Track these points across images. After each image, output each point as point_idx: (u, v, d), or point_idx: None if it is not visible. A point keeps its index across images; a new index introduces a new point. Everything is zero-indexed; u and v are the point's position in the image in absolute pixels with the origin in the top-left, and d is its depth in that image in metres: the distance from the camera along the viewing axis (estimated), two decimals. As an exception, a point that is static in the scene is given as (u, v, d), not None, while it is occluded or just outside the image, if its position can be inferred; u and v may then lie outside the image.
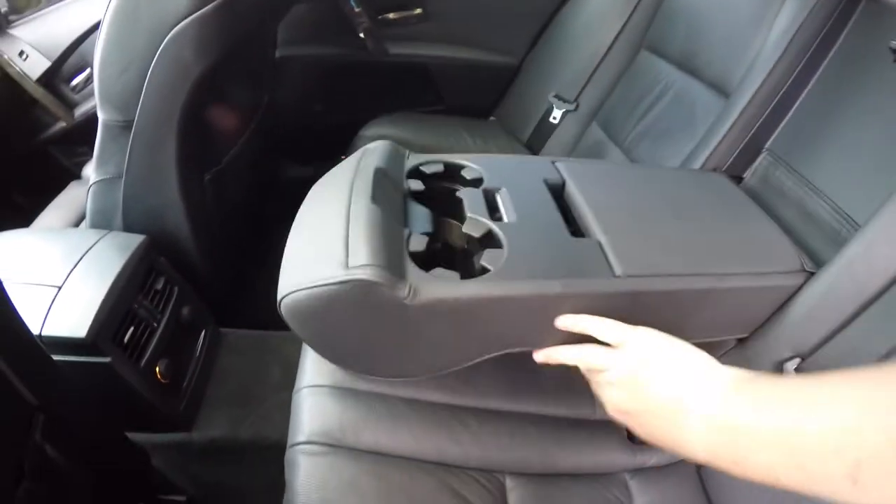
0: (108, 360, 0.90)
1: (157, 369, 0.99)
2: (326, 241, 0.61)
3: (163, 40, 0.92)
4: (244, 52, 1.18)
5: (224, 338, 1.23)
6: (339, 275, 0.57)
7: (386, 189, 0.70)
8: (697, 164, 1.03)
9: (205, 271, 1.19)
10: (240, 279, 1.40)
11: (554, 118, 1.55)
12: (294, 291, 0.59)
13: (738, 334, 0.80)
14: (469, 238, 0.68)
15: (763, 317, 0.77)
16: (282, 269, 0.65)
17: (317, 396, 0.83)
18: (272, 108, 1.45)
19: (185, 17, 0.91)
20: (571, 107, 1.52)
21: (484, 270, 0.62)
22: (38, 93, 1.39)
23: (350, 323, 0.63)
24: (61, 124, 1.48)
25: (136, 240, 1.03)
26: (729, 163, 1.00)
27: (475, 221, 0.69)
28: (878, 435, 0.34)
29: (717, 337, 0.80)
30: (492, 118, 1.85)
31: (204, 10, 0.92)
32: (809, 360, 0.71)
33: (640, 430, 0.56)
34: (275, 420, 1.08)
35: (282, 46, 1.56)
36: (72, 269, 0.96)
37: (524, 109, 1.67)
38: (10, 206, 1.53)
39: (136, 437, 1.00)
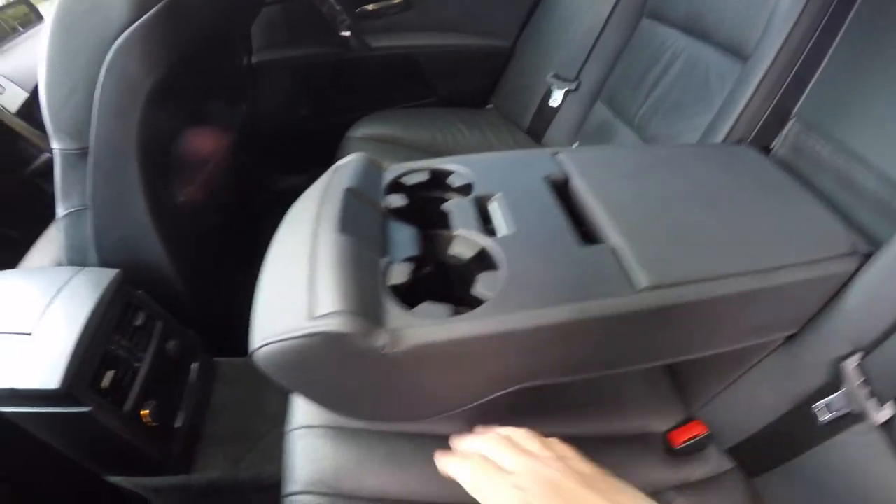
0: (87, 409, 0.82)
1: (144, 412, 0.92)
2: (292, 284, 0.53)
3: (106, 55, 0.85)
4: (207, 59, 1.11)
5: (218, 368, 1.16)
6: (306, 326, 0.48)
7: (360, 212, 0.60)
8: (718, 138, 0.94)
9: (190, 299, 1.12)
10: (233, 302, 1.33)
11: (555, 100, 1.46)
12: (263, 345, 0.51)
13: (785, 333, 0.70)
14: (460, 259, 0.58)
15: (813, 310, 0.67)
16: (252, 318, 0.56)
17: (310, 438, 0.76)
18: (253, 118, 1.37)
19: (127, 27, 0.85)
20: (572, 86, 1.43)
21: (479, 300, 0.52)
22: (19, 126, 1.34)
23: (330, 373, 0.54)
24: (47, 155, 1.42)
25: (109, 275, 0.96)
26: (754, 133, 0.90)
27: (464, 239, 0.59)
28: None
29: (759, 340, 0.70)
30: (489, 106, 1.76)
31: (145, 18, 0.85)
32: (873, 355, 0.62)
33: None
34: (274, 457, 1.00)
35: (258, 52, 1.48)
36: (43, 314, 0.89)
37: (522, 94, 1.58)
38: (3, 240, 1.49)
39: (135, 482, 0.96)
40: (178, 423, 0.99)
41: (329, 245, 0.53)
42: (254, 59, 1.47)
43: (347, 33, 1.50)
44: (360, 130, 1.50)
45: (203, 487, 1.00)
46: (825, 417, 0.66)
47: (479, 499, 0.46)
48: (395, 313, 0.51)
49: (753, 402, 0.77)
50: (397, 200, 0.65)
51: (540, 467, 0.46)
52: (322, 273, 0.51)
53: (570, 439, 0.80)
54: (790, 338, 0.71)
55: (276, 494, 0.77)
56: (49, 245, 1.33)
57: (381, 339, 0.48)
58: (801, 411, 0.70)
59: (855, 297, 0.64)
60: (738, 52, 1.01)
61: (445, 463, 0.50)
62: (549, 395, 0.84)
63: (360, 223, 0.59)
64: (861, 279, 0.63)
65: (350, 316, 0.47)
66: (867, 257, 0.63)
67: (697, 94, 1.08)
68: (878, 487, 0.62)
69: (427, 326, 0.49)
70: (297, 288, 0.52)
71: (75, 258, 1.04)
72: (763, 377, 0.75)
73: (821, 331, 0.67)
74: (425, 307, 0.52)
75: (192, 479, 0.99)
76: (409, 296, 0.54)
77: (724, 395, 0.81)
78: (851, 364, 0.63)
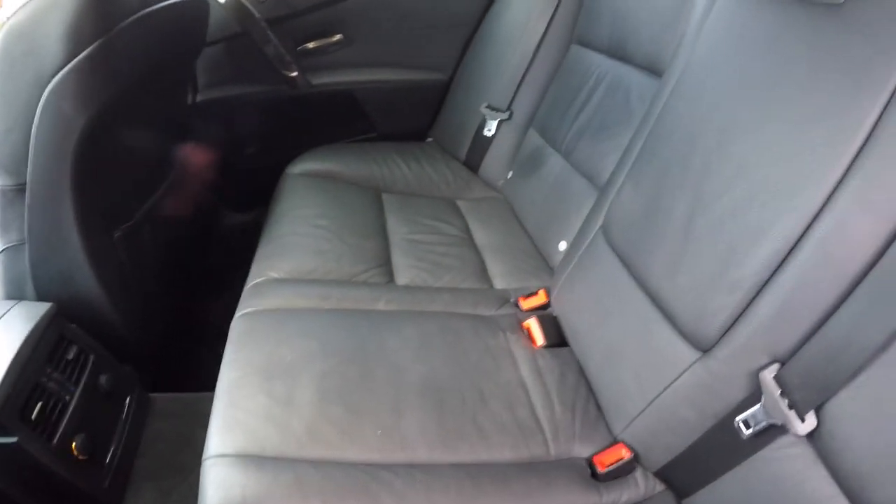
0: (14, 439, 0.84)
1: (74, 445, 0.92)
2: None
3: (42, 95, 0.89)
4: (145, 97, 1.14)
5: (153, 403, 1.17)
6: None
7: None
8: (634, 154, 0.97)
9: (127, 334, 1.13)
10: (176, 338, 1.34)
11: (489, 130, 1.49)
12: None
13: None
14: None
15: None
16: None
17: (221, 467, 0.75)
18: (197, 155, 1.40)
19: (60, 69, 0.89)
20: (505, 116, 1.46)
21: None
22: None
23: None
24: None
25: (43, 308, 0.98)
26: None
27: None
28: None
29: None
30: (429, 139, 1.79)
31: (78, 60, 0.89)
32: (790, 365, 0.62)
33: None
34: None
35: (204, 90, 1.51)
36: (-25, 346, 0.90)
37: (459, 126, 1.61)
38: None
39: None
40: (108, 457, 0.99)
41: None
42: (199, 97, 1.50)
43: (294, 73, 1.55)
44: (299, 167, 1.52)
45: (132, 522, 0.99)
46: (748, 431, 0.65)
47: None
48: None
49: (675, 420, 0.76)
50: None
51: None
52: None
53: (481, 468, 0.79)
54: (707, 351, 0.71)
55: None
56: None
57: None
58: (725, 427, 0.69)
59: (768, 305, 0.64)
60: (655, 70, 1.06)
61: None
62: (462, 419, 0.84)
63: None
64: (772, 287, 0.64)
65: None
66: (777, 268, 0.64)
67: (620, 114, 1.12)
68: (808, 500, 0.61)
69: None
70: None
71: (13, 292, 1.06)
72: (683, 394, 0.75)
73: (736, 342, 0.68)
74: None
75: (121, 514, 0.99)
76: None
77: (645, 415, 0.80)
78: (769, 375, 0.63)
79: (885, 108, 0.58)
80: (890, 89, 0.57)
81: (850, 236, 0.59)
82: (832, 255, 0.60)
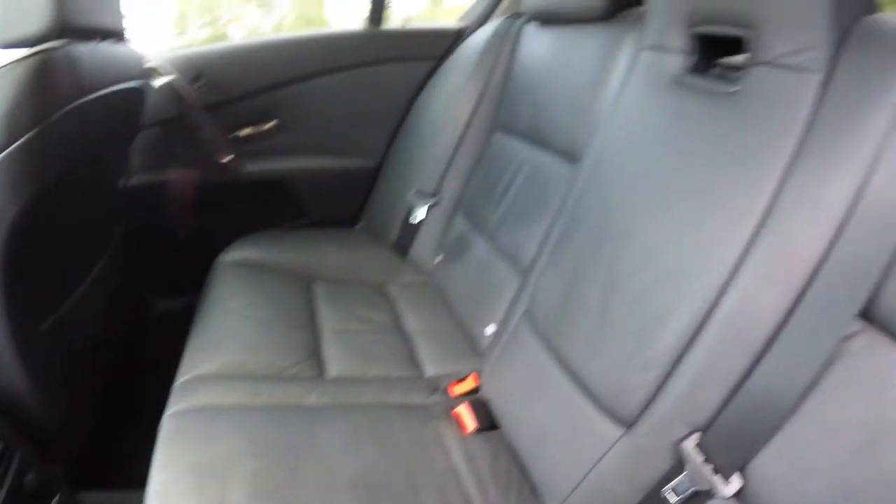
0: (-67, 548, 0.78)
1: (-7, 555, 0.87)
2: None
3: None
4: (78, 183, 1.13)
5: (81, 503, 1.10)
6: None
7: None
8: (552, 240, 1.03)
9: (56, 428, 1.08)
10: (106, 431, 1.29)
11: (418, 216, 1.51)
12: None
13: None
14: None
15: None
16: None
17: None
18: (128, 241, 1.38)
19: None
20: (433, 201, 1.49)
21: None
22: None
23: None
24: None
25: (-31, 402, 0.94)
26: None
27: None
28: None
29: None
30: (360, 224, 1.81)
31: (10, 149, 0.88)
32: (710, 432, 0.66)
33: None
34: None
35: (137, 173, 1.51)
36: None
37: (388, 211, 1.64)
38: None
39: None
40: (30, 568, 0.93)
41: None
42: (132, 181, 1.49)
43: (228, 159, 1.57)
44: (231, 255, 1.50)
45: None
46: (674, 500, 0.69)
47: None
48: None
49: (607, 495, 0.78)
50: None
51: None
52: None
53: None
54: (630, 427, 0.74)
55: None
56: None
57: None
58: (655, 498, 0.72)
59: (683, 380, 0.69)
60: (572, 156, 1.11)
61: None
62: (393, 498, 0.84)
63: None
64: (685, 363, 0.68)
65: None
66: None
67: (539, 199, 1.17)
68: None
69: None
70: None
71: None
72: (612, 469, 0.77)
73: (656, 416, 0.71)
74: None
75: None
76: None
77: (578, 492, 0.81)
78: (691, 444, 0.67)
79: (775, 191, 0.64)
80: (778, 174, 0.64)
81: (754, 310, 0.64)
82: (739, 329, 0.65)
